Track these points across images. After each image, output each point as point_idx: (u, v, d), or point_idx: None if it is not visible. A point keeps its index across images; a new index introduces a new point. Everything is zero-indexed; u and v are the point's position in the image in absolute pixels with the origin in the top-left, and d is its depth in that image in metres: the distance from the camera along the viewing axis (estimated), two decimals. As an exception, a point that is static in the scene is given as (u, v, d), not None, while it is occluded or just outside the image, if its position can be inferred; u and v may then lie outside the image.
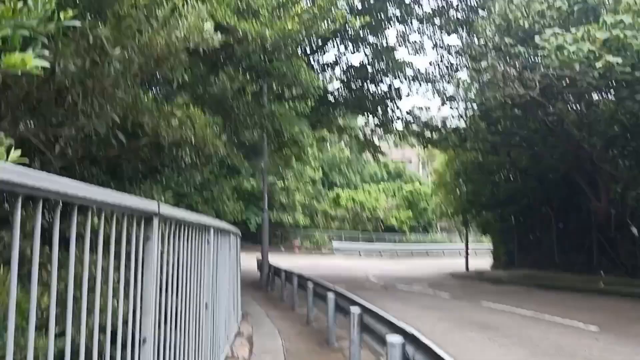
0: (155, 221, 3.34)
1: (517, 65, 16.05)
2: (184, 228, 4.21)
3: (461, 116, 26.37)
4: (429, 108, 28.20)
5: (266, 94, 9.42)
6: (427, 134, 28.65)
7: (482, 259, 38.89)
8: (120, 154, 6.46)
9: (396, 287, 23.61)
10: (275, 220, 52.51)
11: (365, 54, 28.30)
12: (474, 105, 23.45)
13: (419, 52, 30.16)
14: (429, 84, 29.77)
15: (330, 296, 9.82)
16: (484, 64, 16.83)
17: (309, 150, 34.50)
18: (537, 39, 14.31)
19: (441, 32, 28.91)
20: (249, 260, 27.02)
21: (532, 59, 16.61)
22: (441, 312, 15.50)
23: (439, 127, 27.12)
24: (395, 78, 28.68)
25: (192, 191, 7.78)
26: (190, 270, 4.61)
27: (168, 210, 3.54)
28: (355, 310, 7.35)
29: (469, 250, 50.78)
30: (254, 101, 8.63)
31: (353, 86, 30.10)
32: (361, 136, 34.71)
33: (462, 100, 25.03)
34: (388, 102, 29.80)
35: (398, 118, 30.48)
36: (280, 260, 36.63)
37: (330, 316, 9.75)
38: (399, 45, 30.02)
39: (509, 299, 18.12)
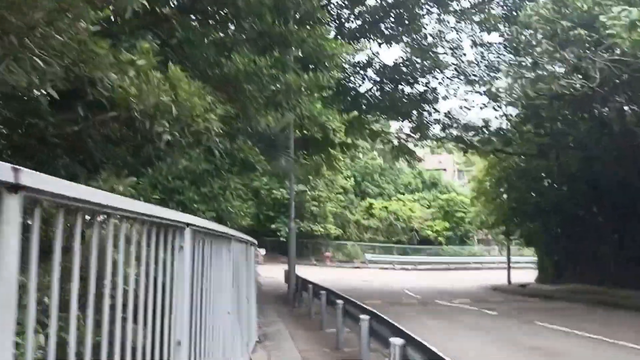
0: (10, 201, 1.67)
1: (576, 51, 14.08)
2: (118, 222, 2.53)
3: (505, 116, 24.26)
4: (469, 108, 26.10)
5: (283, 65, 7.79)
6: (468, 137, 26.60)
7: (523, 272, 36.47)
8: (83, 131, 4.84)
9: (435, 302, 21.64)
10: (305, 231, 50.78)
11: (403, 46, 26.42)
12: (521, 102, 21.34)
13: (456, 51, 28.29)
14: (469, 85, 27.87)
15: (364, 318, 8.04)
16: (537, 49, 14.90)
17: (339, 152, 32.66)
18: (602, 18, 12.36)
19: (480, 29, 26.98)
20: (278, 272, 25.45)
21: (592, 46, 14.59)
22: (490, 333, 13.55)
23: (481, 128, 25.00)
24: (433, 77, 26.87)
25: (187, 185, 6.16)
26: (145, 289, 2.95)
27: (45, 183, 1.84)
28: (396, 341, 5.57)
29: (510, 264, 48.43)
30: (269, 75, 7.02)
31: (386, 88, 28.35)
32: (395, 142, 32.85)
33: (506, 100, 22.93)
34: (424, 104, 27.94)
35: (435, 121, 28.60)
36: (310, 272, 34.86)
37: (363, 343, 7.97)
38: (435, 46, 28.17)
39: (565, 318, 16.01)
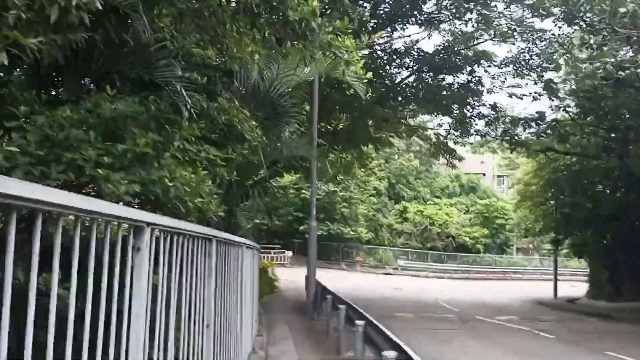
0: None
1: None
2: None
3: (562, 108, 21.14)
4: (521, 98, 23.04)
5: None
6: (517, 133, 23.56)
7: (568, 285, 33.23)
8: None
9: (476, 318, 18.84)
10: (335, 234, 48.27)
11: (445, 33, 23.76)
12: (581, 92, 18.36)
13: (505, 39, 25.23)
14: (518, 77, 24.83)
15: (389, 357, 5.46)
16: (621, 10, 12.05)
17: (372, 150, 30.34)
18: None
19: (532, 14, 23.93)
20: (303, 276, 22.99)
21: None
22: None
23: (535, 121, 21.81)
24: (479, 66, 23.95)
25: (92, 137, 3.70)
26: None
27: None
28: None
29: (552, 275, 44.90)
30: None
31: (425, 77, 25.55)
32: (434, 138, 29.97)
33: (563, 91, 19.94)
34: (467, 95, 25.02)
35: (479, 115, 25.65)
36: (339, 278, 32.39)
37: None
38: (480, 33, 25.24)
39: (642, 346, 13.10)
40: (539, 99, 22.18)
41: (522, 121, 22.02)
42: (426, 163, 60.53)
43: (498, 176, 77.46)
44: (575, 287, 34.28)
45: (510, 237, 57.64)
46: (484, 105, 24.70)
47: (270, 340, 11.13)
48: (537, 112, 21.43)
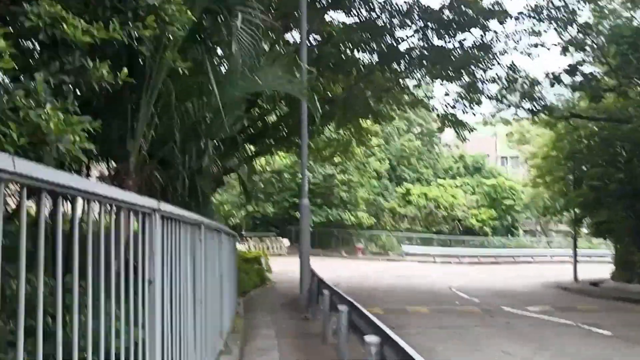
0: None
1: None
2: None
3: (600, 60, 17.97)
4: (548, 48, 19.97)
5: None
6: (539, 94, 20.45)
7: (583, 267, 30.22)
8: None
9: (502, 309, 15.87)
10: (335, 220, 45.28)
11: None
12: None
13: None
14: (533, 36, 21.68)
15: None
16: None
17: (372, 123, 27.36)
18: None
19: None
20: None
21: None
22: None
23: (568, 73, 18.59)
24: (493, 18, 20.74)
25: None
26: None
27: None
28: None
29: (563, 257, 42.07)
30: None
31: (430, 35, 22.29)
32: (441, 109, 26.65)
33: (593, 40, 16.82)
34: (480, 55, 21.83)
35: (493, 79, 22.48)
36: (338, 267, 29.49)
37: None
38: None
39: None
40: (565, 54, 19.07)
41: (551, 76, 18.82)
42: (428, 143, 57.45)
43: (502, 157, 74.23)
44: (592, 269, 31.54)
45: (518, 218, 54.79)
46: (499, 64, 21.53)
47: (244, 356, 8.08)
48: (569, 65, 18.32)
